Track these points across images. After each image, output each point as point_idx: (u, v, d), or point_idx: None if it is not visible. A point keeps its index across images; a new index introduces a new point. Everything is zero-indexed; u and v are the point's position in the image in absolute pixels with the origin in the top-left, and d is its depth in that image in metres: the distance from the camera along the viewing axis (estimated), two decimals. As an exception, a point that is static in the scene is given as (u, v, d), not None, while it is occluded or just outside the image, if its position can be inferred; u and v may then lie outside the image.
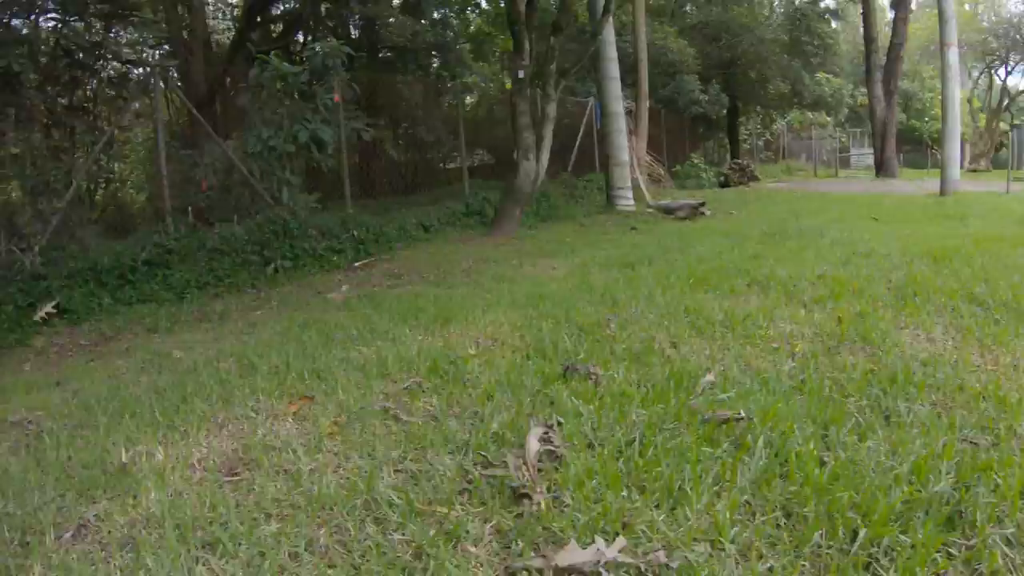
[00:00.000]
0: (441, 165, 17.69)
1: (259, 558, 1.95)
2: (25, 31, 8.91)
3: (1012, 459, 2.24)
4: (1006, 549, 1.84)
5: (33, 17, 9.14)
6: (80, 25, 9.48)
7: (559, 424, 2.68)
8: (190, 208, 9.05)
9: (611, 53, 14.52)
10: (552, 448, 2.52)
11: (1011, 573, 1.78)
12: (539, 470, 2.36)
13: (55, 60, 8.54)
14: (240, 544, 2.02)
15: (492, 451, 2.52)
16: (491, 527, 2.07)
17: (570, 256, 8.25)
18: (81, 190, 9.33)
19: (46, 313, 7.14)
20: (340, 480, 2.38)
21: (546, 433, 2.62)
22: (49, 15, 9.32)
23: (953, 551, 1.85)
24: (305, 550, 1.99)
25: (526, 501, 2.18)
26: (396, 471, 2.41)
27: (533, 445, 2.52)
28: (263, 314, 6.33)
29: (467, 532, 2.05)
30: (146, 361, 4.77)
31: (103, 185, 11.19)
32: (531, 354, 3.78)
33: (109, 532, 2.24)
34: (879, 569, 1.79)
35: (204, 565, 1.95)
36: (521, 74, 11.64)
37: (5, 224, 7.87)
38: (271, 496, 2.29)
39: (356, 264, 9.08)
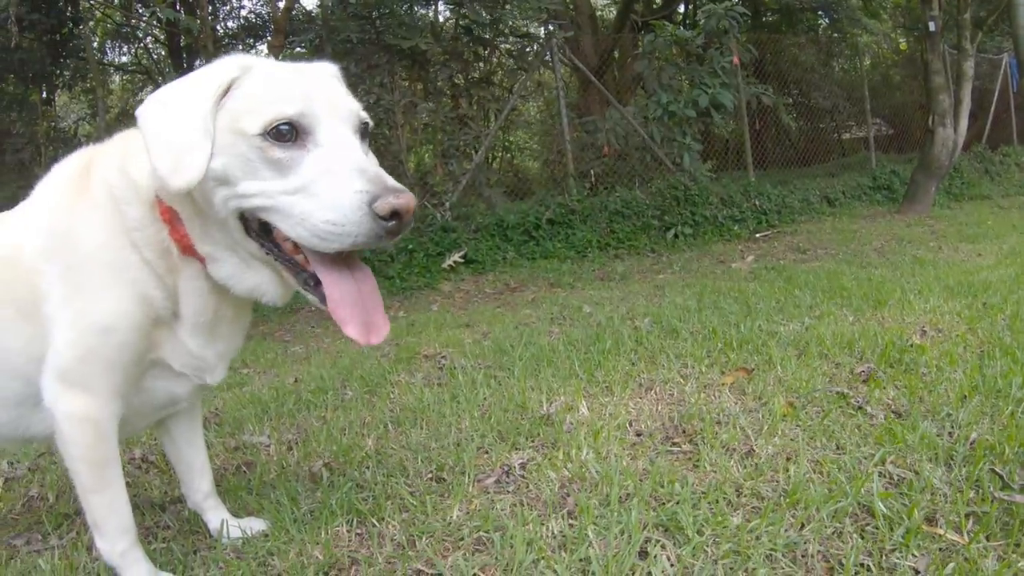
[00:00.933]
0: (836, 135, 16.26)
1: (732, 556, 1.61)
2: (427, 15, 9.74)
3: None
4: None
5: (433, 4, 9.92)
6: (476, 5, 10.12)
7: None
8: (592, 172, 9.25)
9: None
10: None
11: None
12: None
13: (456, 39, 9.15)
14: (704, 533, 1.70)
15: (1002, 475, 1.92)
16: (1011, 572, 1.52)
17: (995, 242, 7.05)
18: (486, 155, 10.03)
19: (453, 262, 7.71)
20: (815, 474, 1.97)
21: (1068, 459, 1.97)
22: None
23: None
24: (785, 555, 1.62)
25: None
26: (879, 475, 1.94)
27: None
28: (666, 278, 6.18)
29: (980, 572, 1.53)
30: (554, 313, 4.80)
31: (502, 152, 11.97)
32: (995, 354, 3.04)
33: (538, 486, 2.07)
34: None
35: (664, 551, 1.66)
36: (933, 26, 9.97)
37: (420, 182, 8.65)
38: (731, 480, 1.95)
39: (758, 235, 8.62)
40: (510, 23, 10.15)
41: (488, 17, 9.11)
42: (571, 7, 14.62)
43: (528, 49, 10.64)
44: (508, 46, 11.14)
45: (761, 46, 14.40)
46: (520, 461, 2.25)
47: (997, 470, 1.92)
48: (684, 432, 2.32)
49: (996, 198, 11.53)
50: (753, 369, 2.88)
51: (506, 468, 2.22)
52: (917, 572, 1.55)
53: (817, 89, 15.55)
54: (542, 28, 11.31)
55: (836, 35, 17.48)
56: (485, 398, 2.95)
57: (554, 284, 6.50)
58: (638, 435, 2.36)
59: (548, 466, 2.18)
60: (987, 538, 1.65)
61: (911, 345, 3.16)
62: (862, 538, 1.67)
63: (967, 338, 3.35)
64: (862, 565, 1.57)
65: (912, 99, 16.34)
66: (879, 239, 7.62)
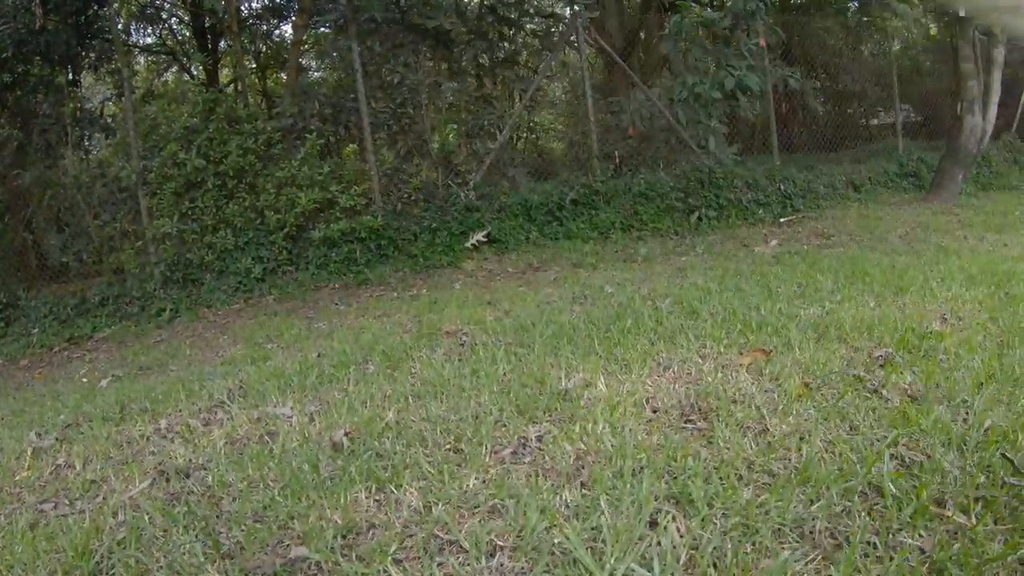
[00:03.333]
0: (863, 121, 16.03)
1: (741, 529, 1.65)
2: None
3: None
4: None
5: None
6: None
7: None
8: (616, 153, 9.24)
9: None
10: None
11: None
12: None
13: (481, 18, 9.13)
14: (714, 506, 1.74)
15: (1013, 460, 1.94)
16: (1015, 557, 1.54)
17: (1022, 233, 6.96)
18: (510, 135, 10.02)
19: (477, 241, 7.76)
20: (827, 453, 2.00)
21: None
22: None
23: None
24: (792, 529, 1.65)
25: None
26: (890, 456, 1.96)
27: (1071, 460, 1.89)
28: (689, 260, 6.19)
29: (989, 552, 1.55)
30: (576, 292, 4.84)
31: (526, 133, 11.95)
32: (1015, 343, 3.04)
33: (554, 458, 2.12)
34: None
35: (673, 521, 1.70)
36: (963, 11, 9.80)
37: (444, 162, 8.67)
38: (743, 457, 1.98)
39: (782, 220, 8.58)
40: (535, 3, 10.12)
41: None
42: None
43: (553, 29, 10.60)
44: (533, 26, 11.10)
45: (789, 29, 14.21)
46: (537, 434, 2.30)
47: (1009, 456, 1.94)
48: (699, 410, 2.35)
49: None
50: (771, 351, 2.89)
51: (523, 440, 2.26)
52: (923, 551, 1.58)
53: (845, 73, 15.31)
54: (567, 8, 11.26)
55: (865, 19, 17.18)
56: (505, 373, 2.99)
57: (577, 264, 6.53)
58: (654, 411, 2.39)
59: (564, 439, 2.22)
60: (995, 522, 1.67)
61: (930, 332, 3.16)
62: (870, 516, 1.69)
63: (987, 326, 3.34)
64: (868, 543, 1.60)
65: (942, 86, 16.05)
66: (904, 226, 7.55)
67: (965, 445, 2.04)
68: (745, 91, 8.77)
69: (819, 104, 12.66)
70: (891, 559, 1.54)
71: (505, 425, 2.40)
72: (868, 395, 2.40)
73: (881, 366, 2.70)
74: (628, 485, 1.86)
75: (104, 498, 2.27)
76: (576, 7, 9.78)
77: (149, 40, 16.22)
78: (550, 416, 2.45)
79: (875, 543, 1.60)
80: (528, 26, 11.15)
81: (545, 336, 3.53)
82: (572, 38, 9.82)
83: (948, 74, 14.22)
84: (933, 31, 18.95)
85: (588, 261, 6.60)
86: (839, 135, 13.84)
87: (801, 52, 14.35)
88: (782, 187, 9.32)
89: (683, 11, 9.24)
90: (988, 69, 9.93)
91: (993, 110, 10.02)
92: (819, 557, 1.57)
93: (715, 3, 15.74)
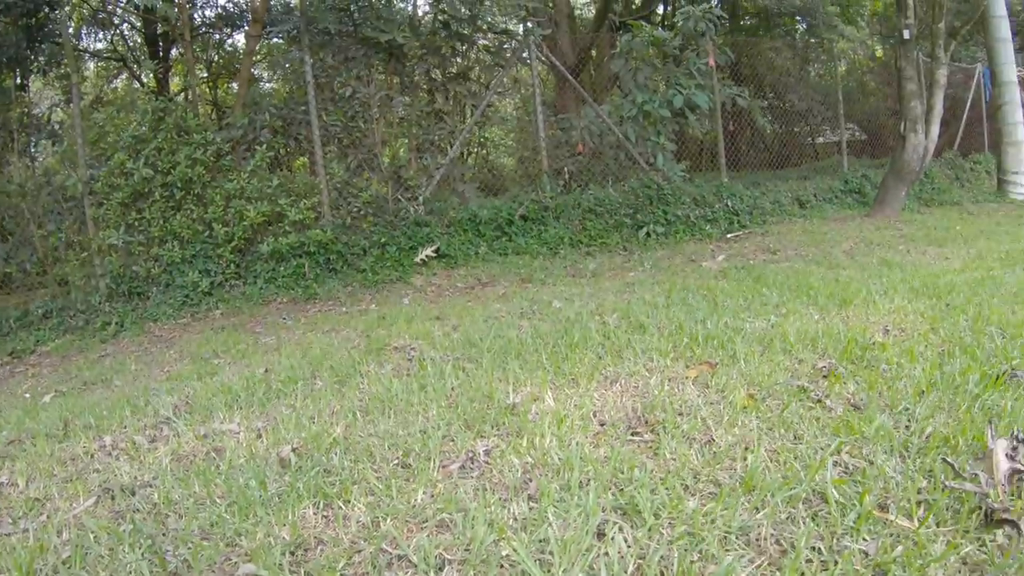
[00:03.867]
0: (809, 139, 16.47)
1: (687, 538, 1.66)
2: (406, 7, 9.70)
3: None
4: None
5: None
6: (455, 0, 10.11)
7: (1025, 441, 2.07)
8: (566, 169, 9.31)
9: (1000, 10, 12.12)
10: (1021, 468, 1.94)
11: None
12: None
13: (434, 33, 9.16)
14: (660, 516, 1.75)
15: (952, 464, 1.99)
16: (960, 557, 1.59)
17: (963, 246, 7.17)
18: (461, 150, 10.03)
19: (426, 256, 7.74)
20: (771, 462, 2.03)
21: (1015, 448, 2.03)
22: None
23: None
24: (739, 537, 1.67)
25: (1005, 529, 1.66)
26: (833, 464, 2.00)
27: (1003, 461, 1.95)
28: (637, 275, 6.24)
29: (933, 554, 1.59)
30: (525, 307, 4.84)
31: (477, 148, 11.98)
32: (955, 353, 3.13)
33: (502, 471, 2.12)
34: None
35: (621, 532, 1.71)
36: (907, 34, 10.16)
37: (394, 176, 8.65)
38: (689, 468, 2.00)
39: (729, 235, 8.72)
40: (489, 19, 10.17)
41: (467, 12, 9.12)
42: (550, 5, 14.67)
43: (506, 46, 10.67)
44: (486, 42, 11.15)
45: (738, 49, 14.51)
46: (485, 448, 2.29)
47: (949, 460, 1.99)
48: (646, 422, 2.37)
49: (966, 204, 11.71)
50: (717, 363, 2.93)
51: (471, 454, 2.26)
52: (867, 555, 1.61)
53: (792, 93, 15.73)
54: (520, 25, 11.34)
55: (813, 40, 17.67)
56: (453, 388, 2.98)
57: (525, 280, 6.55)
58: (601, 424, 2.40)
59: (512, 452, 2.22)
60: (937, 524, 1.71)
61: (873, 343, 3.23)
62: (815, 522, 1.72)
63: (929, 337, 3.42)
64: (814, 548, 1.63)
65: (886, 106, 16.58)
66: (848, 241, 7.74)
67: (907, 451, 2.09)
68: (694, 109, 8.95)
69: (767, 123, 12.95)
70: (836, 563, 1.57)
71: (453, 440, 2.39)
72: (812, 405, 2.45)
73: (825, 377, 2.76)
74: (575, 497, 1.86)
75: (48, 516, 2.21)
76: (529, 24, 9.86)
77: (100, 45, 15.97)
78: (498, 430, 2.45)
79: (820, 548, 1.63)
80: (481, 42, 11.20)
81: (493, 351, 3.53)
82: (525, 55, 9.89)
83: (892, 95, 14.68)
84: (879, 52, 19.56)
85: (537, 276, 6.62)
86: (786, 153, 14.18)
87: (750, 72, 14.66)
88: (729, 204, 9.47)
89: (634, 30, 9.40)
90: (931, 90, 10.29)
91: (935, 129, 10.36)
92: (765, 563, 1.59)
93: (666, 23, 16.03)
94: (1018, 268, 5.54)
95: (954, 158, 14.23)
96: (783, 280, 5.07)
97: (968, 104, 15.04)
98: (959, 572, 1.57)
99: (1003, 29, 12.33)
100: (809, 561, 1.59)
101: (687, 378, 2.78)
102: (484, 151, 12.99)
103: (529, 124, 10.86)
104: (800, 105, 15.31)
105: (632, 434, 2.30)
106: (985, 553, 1.61)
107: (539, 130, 9.27)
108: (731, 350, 3.10)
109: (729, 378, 2.73)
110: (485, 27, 10.42)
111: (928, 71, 10.44)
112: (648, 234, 8.56)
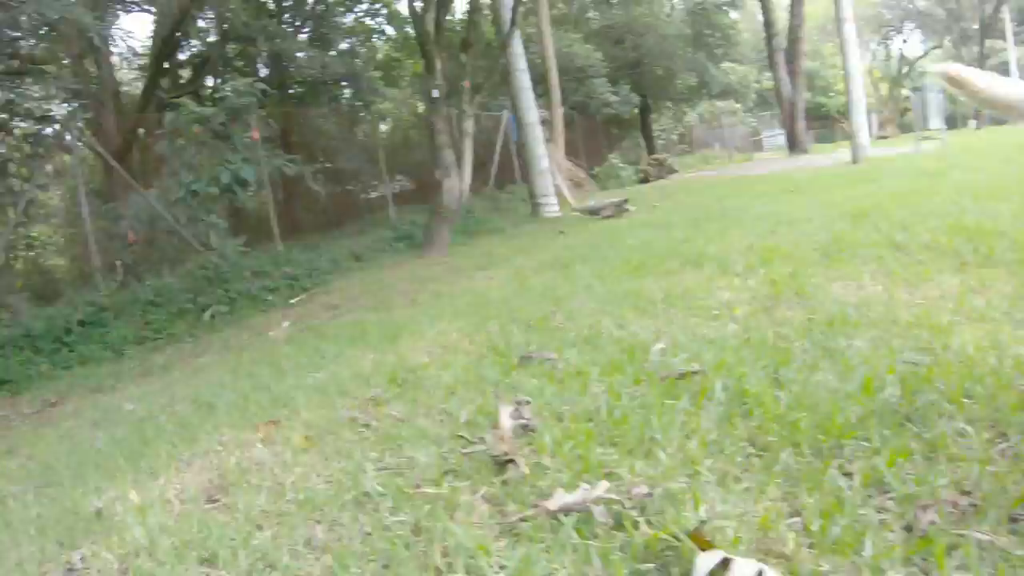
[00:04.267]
0: (363, 196, 17.66)
1: (261, 563, 1.99)
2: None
3: (951, 368, 2.44)
4: (959, 439, 2.01)
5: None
6: None
7: (527, 403, 2.78)
8: (119, 263, 8.92)
9: (521, 64, 14.63)
10: (525, 422, 2.61)
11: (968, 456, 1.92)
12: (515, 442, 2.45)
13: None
14: (238, 554, 2.05)
15: (467, 436, 2.60)
16: (481, 496, 2.14)
17: (504, 265, 8.35)
18: (5, 258, 9.09)
19: (-24, 389, 6.93)
20: (326, 483, 2.43)
21: (517, 410, 2.71)
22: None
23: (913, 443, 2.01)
24: (305, 547, 2.04)
25: (511, 467, 2.26)
26: (378, 469, 2.48)
27: (507, 421, 2.59)
28: (207, 360, 6.33)
29: (459, 503, 2.11)
30: (97, 418, 4.75)
31: (24, 251, 10.89)
32: (486, 353, 3.89)
33: (100, 571, 2.24)
34: (847, 469, 1.94)
35: (207, 578, 1.98)
36: (436, 93, 11.75)
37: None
38: (259, 509, 2.32)
39: (293, 301, 9.03)
40: (26, 105, 9.35)
41: (2, 97, 8.29)
42: (94, 84, 13.77)
43: (46, 131, 9.88)
44: (24, 127, 10.19)
45: (287, 118, 15.10)
46: (80, 555, 2.37)
47: (462, 435, 2.61)
48: (223, 488, 2.64)
49: (507, 229, 13.29)
50: (279, 420, 3.30)
51: (69, 567, 2.32)
52: (405, 523, 2.06)
53: (341, 155, 16.75)
54: (63, 107, 10.59)
55: (359, 103, 18.92)
56: (37, 515, 2.93)
57: (95, 390, 6.27)
58: (182, 503, 2.61)
59: (106, 551, 2.33)
60: (461, 483, 2.23)
61: (418, 365, 3.84)
62: (363, 513, 2.16)
63: (466, 347, 4.14)
64: (368, 532, 2.05)
65: (429, 156, 18.51)
66: (403, 283, 8.55)
67: (442, 438, 2.64)
68: (243, 184, 9.18)
69: (320, 186, 13.65)
70: (385, 535, 1.99)
71: (51, 559, 2.41)
72: (362, 428, 2.93)
73: (375, 404, 3.27)
74: (168, 566, 2.07)
75: None
76: (69, 106, 9.26)
77: None
78: (89, 538, 2.52)
79: (369, 531, 2.05)
80: (17, 129, 10.19)
81: (71, 468, 3.49)
82: (68, 138, 9.26)
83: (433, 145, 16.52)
84: (420, 109, 21.68)
85: (107, 383, 6.38)
86: (340, 212, 15.11)
87: (299, 139, 15.35)
88: (287, 270, 9.82)
89: (180, 109, 9.36)
90: (461, 138, 11.87)
91: (468, 171, 11.98)
92: (330, 557, 1.97)
93: (216, 96, 16.00)
94: (550, 272, 6.71)
95: (492, 192, 16.42)
96: (342, 332, 5.59)
97: (499, 145, 17.46)
98: (484, 505, 2.09)
99: (524, 80, 14.64)
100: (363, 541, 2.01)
101: (256, 440, 3.09)
102: (33, 253, 11.83)
103: (78, 218, 10.17)
104: (350, 165, 16.36)
105: (212, 501, 2.56)
106: (498, 488, 2.17)
107: (86, 223, 8.78)
108: (293, 406, 3.49)
109: (292, 429, 3.11)
110: (22, 112, 9.60)
111: (457, 123, 12.00)
112: (213, 316, 8.51)
